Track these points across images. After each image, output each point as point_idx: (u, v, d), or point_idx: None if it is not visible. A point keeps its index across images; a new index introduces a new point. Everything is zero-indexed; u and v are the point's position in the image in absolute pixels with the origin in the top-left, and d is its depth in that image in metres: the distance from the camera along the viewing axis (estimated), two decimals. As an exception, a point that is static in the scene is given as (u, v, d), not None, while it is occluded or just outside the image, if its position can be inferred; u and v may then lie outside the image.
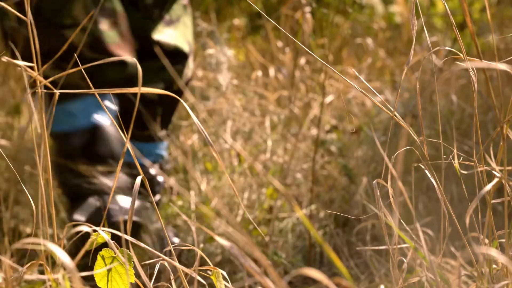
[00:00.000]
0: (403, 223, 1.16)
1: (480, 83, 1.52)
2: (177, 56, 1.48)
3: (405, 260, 0.99)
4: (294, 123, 1.78)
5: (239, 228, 0.66)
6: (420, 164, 0.85)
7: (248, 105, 1.78)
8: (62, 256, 0.57)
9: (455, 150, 0.84)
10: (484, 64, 0.73)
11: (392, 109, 0.85)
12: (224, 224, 0.70)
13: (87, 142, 1.39)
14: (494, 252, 0.69)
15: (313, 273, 0.55)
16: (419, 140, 0.84)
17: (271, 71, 1.98)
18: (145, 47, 1.46)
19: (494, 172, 0.80)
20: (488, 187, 0.79)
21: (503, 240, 0.83)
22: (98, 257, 0.80)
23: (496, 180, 0.80)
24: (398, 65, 1.99)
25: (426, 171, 0.84)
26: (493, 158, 0.83)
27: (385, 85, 1.91)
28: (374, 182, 0.85)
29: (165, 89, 1.51)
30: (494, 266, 0.80)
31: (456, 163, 0.83)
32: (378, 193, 0.89)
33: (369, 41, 2.08)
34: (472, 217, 0.84)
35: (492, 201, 0.83)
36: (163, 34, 1.48)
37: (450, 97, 1.53)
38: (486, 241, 0.82)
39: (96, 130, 1.39)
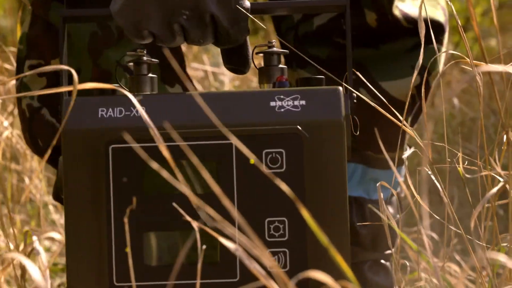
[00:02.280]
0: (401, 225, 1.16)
1: (483, 87, 1.52)
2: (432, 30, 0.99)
3: (408, 264, 0.99)
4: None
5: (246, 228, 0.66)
6: (424, 168, 0.85)
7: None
8: (33, 271, 0.54)
9: (460, 154, 0.84)
10: (491, 67, 0.74)
11: (397, 114, 0.85)
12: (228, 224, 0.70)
13: None
14: (501, 257, 0.69)
15: (319, 275, 0.56)
16: (422, 144, 0.84)
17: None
18: (384, 23, 1.03)
19: (497, 176, 0.81)
20: (493, 191, 0.80)
21: (504, 244, 0.84)
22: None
23: (500, 184, 0.80)
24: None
25: (431, 174, 0.84)
26: (497, 162, 0.83)
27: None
28: (377, 184, 0.86)
29: (419, 83, 1.05)
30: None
31: (460, 167, 0.84)
32: (382, 196, 0.89)
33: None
34: (476, 221, 0.84)
35: (497, 203, 0.84)
36: (405, 2, 1.03)
37: (451, 100, 1.54)
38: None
39: None
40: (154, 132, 0.67)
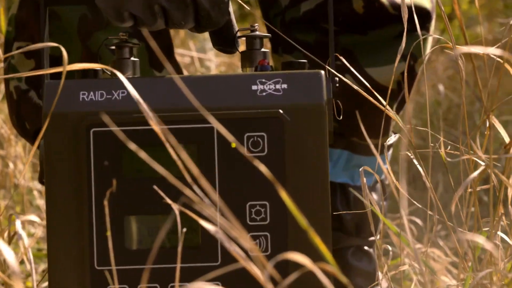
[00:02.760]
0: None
1: (468, 74, 1.52)
2: (418, 17, 1.00)
3: (390, 248, 1.00)
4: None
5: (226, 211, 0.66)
6: (407, 152, 0.85)
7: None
8: (8, 255, 0.53)
9: (441, 139, 0.84)
10: (472, 50, 0.74)
11: (380, 98, 0.85)
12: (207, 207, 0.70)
13: None
14: (480, 239, 0.69)
15: (298, 257, 0.56)
16: (405, 129, 0.84)
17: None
18: (371, 9, 1.06)
19: (479, 160, 0.81)
20: (474, 174, 0.80)
21: (486, 229, 0.84)
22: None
23: (481, 168, 0.80)
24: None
25: (413, 158, 0.84)
26: (479, 147, 0.83)
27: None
28: (360, 169, 0.86)
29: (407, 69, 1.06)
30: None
31: (442, 151, 0.84)
32: (365, 180, 0.89)
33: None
34: (458, 206, 0.85)
35: (478, 188, 0.84)
36: None
37: (437, 87, 1.54)
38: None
39: None
40: (148, 114, 0.66)
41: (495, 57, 0.76)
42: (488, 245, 0.65)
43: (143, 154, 0.59)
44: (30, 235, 1.43)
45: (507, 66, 0.78)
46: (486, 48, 0.67)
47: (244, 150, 0.74)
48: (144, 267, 0.74)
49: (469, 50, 0.69)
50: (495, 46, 0.71)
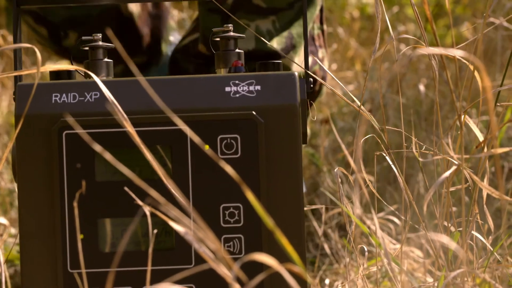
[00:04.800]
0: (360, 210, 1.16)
1: (452, 75, 1.52)
2: None
3: (365, 248, 1.00)
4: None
5: (194, 213, 0.66)
6: (382, 153, 0.85)
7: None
8: None
9: (414, 139, 0.84)
10: (441, 50, 0.74)
11: (355, 99, 0.85)
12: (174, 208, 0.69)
13: None
14: (445, 239, 0.69)
15: (264, 258, 0.55)
16: (379, 128, 0.84)
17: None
18: None
19: (452, 160, 0.81)
20: (446, 174, 0.80)
21: (460, 229, 0.84)
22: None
23: (453, 168, 0.81)
24: (370, 55, 2.00)
25: (388, 158, 0.84)
26: (451, 147, 0.84)
27: (356, 74, 1.92)
28: (335, 170, 0.86)
29: None
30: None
31: (415, 151, 0.84)
32: (340, 181, 0.88)
33: (340, 30, 2.09)
34: (432, 205, 0.85)
35: (453, 188, 0.84)
36: None
37: (418, 87, 1.54)
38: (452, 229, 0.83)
39: None
40: (121, 116, 0.66)
41: (461, 58, 0.76)
42: (452, 246, 0.65)
43: (108, 156, 0.59)
44: (11, 235, 1.43)
45: (476, 73, 0.79)
46: (448, 49, 0.67)
47: (215, 155, 0.73)
48: (118, 270, 0.73)
49: (436, 51, 0.69)
50: (458, 47, 0.71)
